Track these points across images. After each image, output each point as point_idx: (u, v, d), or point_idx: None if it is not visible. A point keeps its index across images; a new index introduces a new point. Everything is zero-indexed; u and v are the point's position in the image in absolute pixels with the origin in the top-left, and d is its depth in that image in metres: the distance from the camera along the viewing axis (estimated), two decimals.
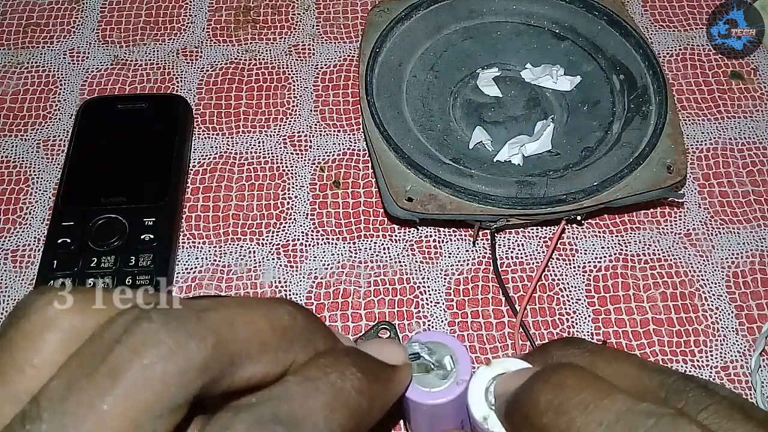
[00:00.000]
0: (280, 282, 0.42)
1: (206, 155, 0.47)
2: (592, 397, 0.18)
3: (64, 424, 0.14)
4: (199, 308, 0.17)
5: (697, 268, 0.43)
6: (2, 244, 0.44)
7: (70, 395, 0.15)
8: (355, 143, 0.48)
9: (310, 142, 0.48)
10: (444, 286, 0.42)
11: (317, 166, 0.47)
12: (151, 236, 0.42)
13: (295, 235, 0.44)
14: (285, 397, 0.18)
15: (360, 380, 0.19)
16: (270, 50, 0.52)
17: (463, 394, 0.24)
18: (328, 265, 0.43)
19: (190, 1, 0.55)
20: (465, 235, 0.44)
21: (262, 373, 0.18)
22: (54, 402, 0.15)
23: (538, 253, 0.43)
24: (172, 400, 0.15)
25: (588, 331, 0.41)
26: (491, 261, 0.42)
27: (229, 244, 0.44)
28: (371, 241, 0.44)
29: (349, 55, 0.52)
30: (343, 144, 0.48)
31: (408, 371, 0.24)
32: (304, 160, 0.47)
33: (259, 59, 0.52)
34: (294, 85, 0.51)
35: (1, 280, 0.42)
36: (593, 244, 0.44)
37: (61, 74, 0.51)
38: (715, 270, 0.43)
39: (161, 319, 0.16)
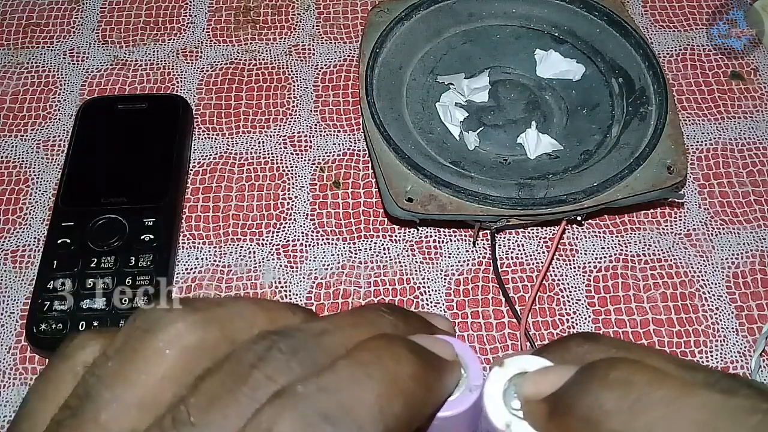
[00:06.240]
0: (280, 282, 0.42)
1: (206, 155, 0.47)
2: (675, 392, 0.16)
3: (211, 430, 0.16)
4: (317, 332, 0.18)
5: (697, 268, 0.43)
6: (2, 244, 0.44)
7: (213, 408, 0.16)
8: (355, 143, 0.48)
9: (310, 142, 0.48)
10: (444, 286, 0.42)
11: (317, 167, 0.47)
12: (151, 236, 0.42)
13: (295, 236, 0.44)
14: (334, 387, 0.16)
15: (416, 365, 0.18)
16: (270, 50, 0.52)
17: (478, 401, 0.21)
18: (328, 265, 0.43)
19: (190, 1, 0.55)
20: (465, 236, 0.44)
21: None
22: (201, 410, 0.16)
23: (539, 253, 0.43)
24: None
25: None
26: (491, 261, 0.42)
27: (229, 244, 0.44)
28: (371, 241, 0.44)
29: (349, 56, 0.52)
30: (343, 144, 0.48)
31: (458, 369, 0.21)
32: (304, 160, 0.47)
33: (259, 59, 0.52)
34: (294, 85, 0.51)
35: (1, 280, 0.42)
36: (593, 245, 0.44)
37: (61, 74, 0.51)
38: (715, 270, 0.43)
39: (289, 350, 0.17)
